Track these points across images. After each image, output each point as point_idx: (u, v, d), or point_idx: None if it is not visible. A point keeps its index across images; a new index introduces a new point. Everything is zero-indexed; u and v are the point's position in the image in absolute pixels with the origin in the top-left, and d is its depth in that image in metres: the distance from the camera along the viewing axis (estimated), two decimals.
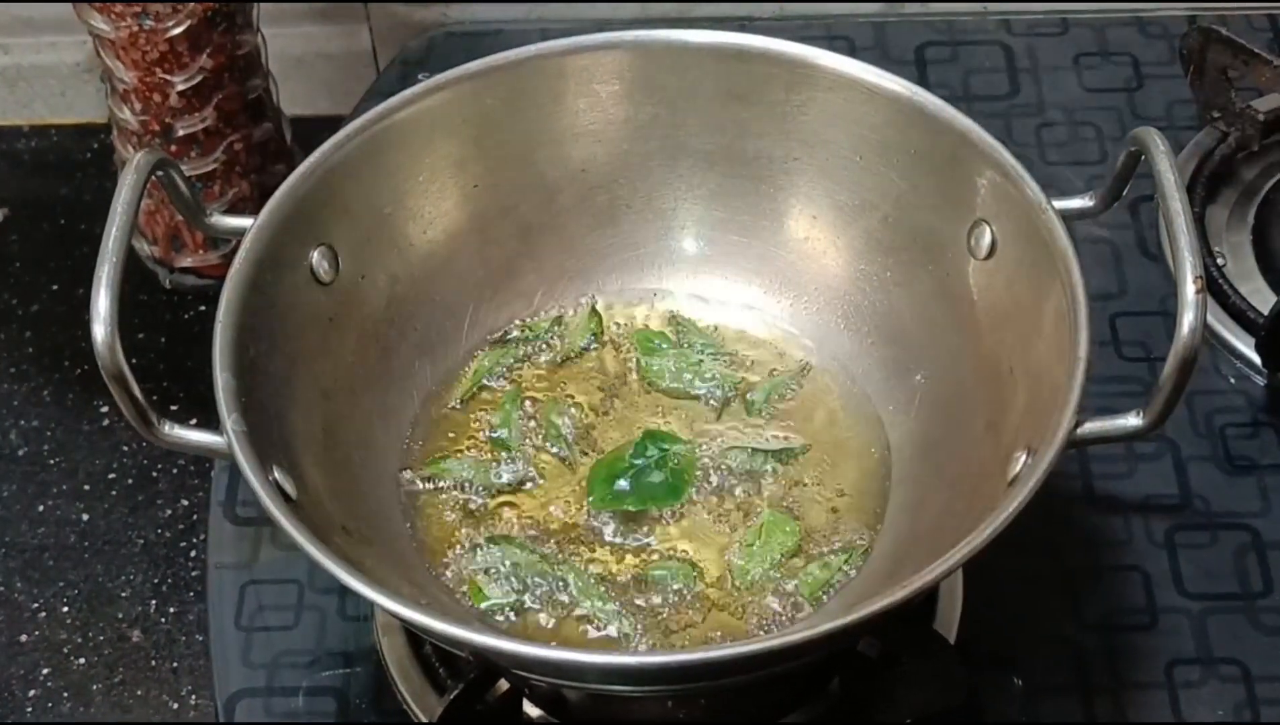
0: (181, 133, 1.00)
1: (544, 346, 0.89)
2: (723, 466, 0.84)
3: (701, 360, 0.88)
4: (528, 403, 0.87)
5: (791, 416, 0.86)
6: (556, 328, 0.89)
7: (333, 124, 0.86)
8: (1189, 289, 0.71)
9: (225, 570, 0.88)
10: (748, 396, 0.87)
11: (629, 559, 0.81)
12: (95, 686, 0.93)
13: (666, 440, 0.84)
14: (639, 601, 0.80)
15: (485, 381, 0.88)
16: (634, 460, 0.83)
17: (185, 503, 0.99)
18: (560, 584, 0.80)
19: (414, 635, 0.83)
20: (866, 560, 0.81)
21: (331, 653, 0.85)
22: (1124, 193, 0.79)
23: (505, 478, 0.84)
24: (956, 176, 0.82)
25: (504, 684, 0.78)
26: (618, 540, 0.82)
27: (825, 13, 1.11)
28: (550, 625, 0.79)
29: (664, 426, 0.86)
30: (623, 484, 0.83)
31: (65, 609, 0.95)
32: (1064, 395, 0.72)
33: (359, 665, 0.84)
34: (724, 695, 0.80)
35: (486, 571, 0.81)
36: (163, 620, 0.95)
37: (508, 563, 0.81)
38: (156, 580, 0.96)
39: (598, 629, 0.79)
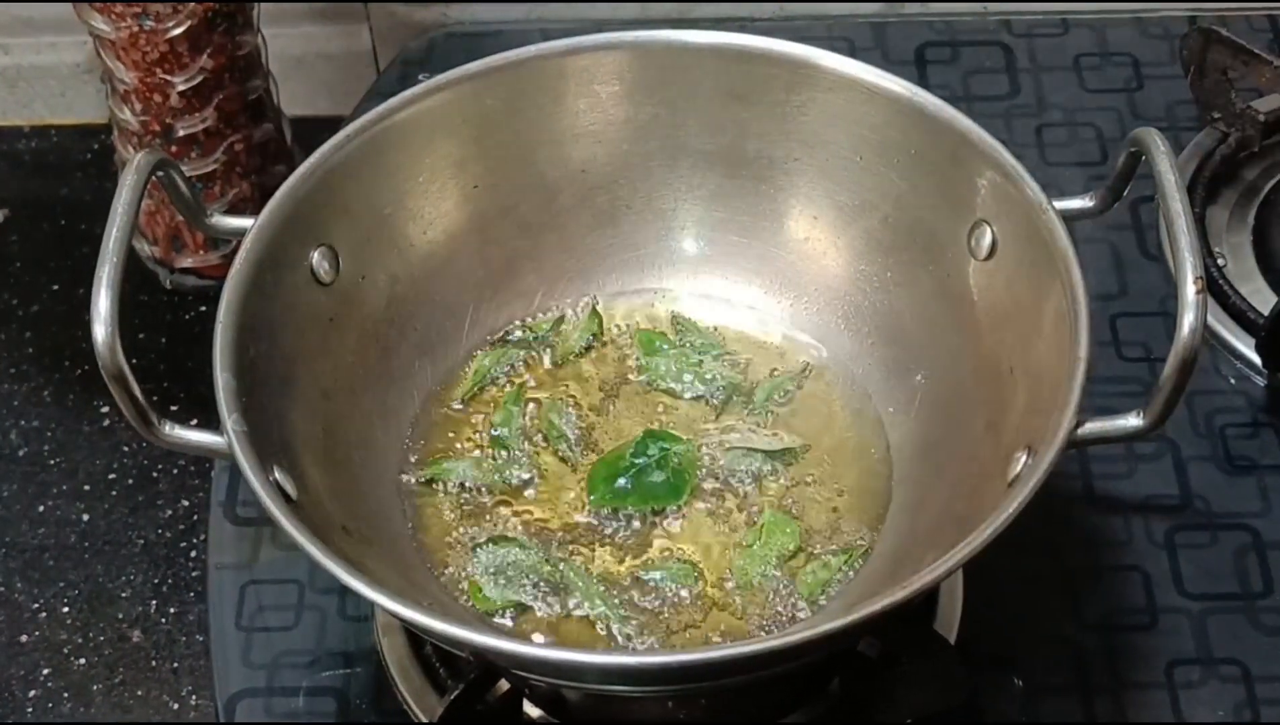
0: (182, 133, 1.00)
1: (544, 346, 0.89)
2: (723, 467, 0.84)
3: (702, 360, 0.88)
4: (528, 403, 0.87)
5: (791, 417, 0.86)
6: (557, 328, 0.89)
7: (333, 124, 0.86)
8: (1189, 289, 0.71)
9: (225, 570, 0.88)
10: (748, 397, 0.87)
11: (629, 559, 0.81)
12: (95, 687, 0.93)
13: (667, 439, 0.84)
14: (639, 602, 0.80)
15: (485, 382, 0.88)
16: (634, 459, 0.83)
17: (185, 503, 0.99)
18: (560, 584, 0.80)
19: (414, 635, 0.83)
20: (866, 560, 0.81)
21: (332, 653, 0.85)
22: (1124, 193, 0.79)
23: (505, 478, 0.84)
24: (956, 177, 0.82)
25: (504, 684, 0.78)
26: (618, 540, 0.82)
27: (825, 13, 1.11)
28: (550, 625, 0.79)
29: (664, 427, 0.86)
30: (624, 483, 0.83)
31: (65, 609, 0.95)
32: (1064, 395, 0.72)
33: (359, 665, 0.84)
34: (724, 695, 0.80)
35: (487, 571, 0.81)
36: (163, 620, 0.95)
37: (508, 563, 0.81)
38: (157, 580, 0.96)
39: (598, 629, 0.79)
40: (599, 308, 0.90)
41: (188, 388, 1.03)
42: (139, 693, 0.92)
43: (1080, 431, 0.72)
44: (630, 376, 0.88)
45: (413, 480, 0.84)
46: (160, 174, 0.76)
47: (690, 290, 0.91)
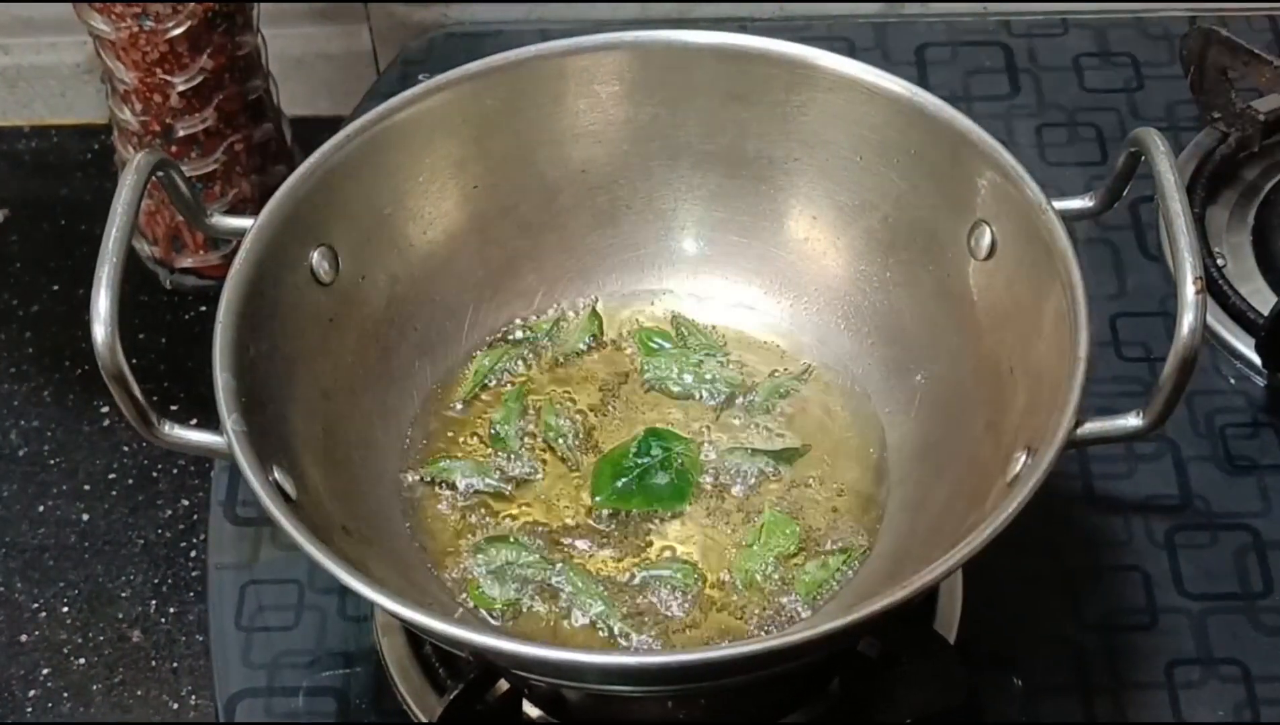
0: (182, 133, 1.00)
1: (544, 347, 0.89)
2: (723, 467, 0.84)
3: (702, 360, 0.88)
4: (528, 403, 0.87)
5: (791, 417, 0.86)
6: (557, 328, 0.89)
7: (333, 124, 0.86)
8: (1189, 289, 0.71)
9: (225, 570, 0.88)
10: (748, 397, 0.87)
11: (629, 559, 0.81)
12: (95, 686, 0.93)
13: (669, 438, 0.84)
14: (639, 602, 0.80)
15: (485, 382, 0.88)
16: (638, 459, 0.83)
17: (185, 503, 0.99)
18: (560, 584, 0.80)
19: (414, 635, 0.83)
20: (866, 560, 0.81)
21: (331, 653, 0.85)
22: (1124, 193, 0.79)
23: (506, 478, 0.84)
24: (956, 177, 0.82)
25: (504, 684, 0.78)
26: (618, 540, 0.82)
27: (825, 13, 1.11)
28: (550, 625, 0.79)
29: (664, 427, 0.86)
30: (628, 484, 0.83)
31: (65, 609, 0.95)
32: (1064, 395, 0.72)
33: (359, 665, 0.84)
34: (724, 695, 0.80)
35: (487, 571, 0.81)
36: (163, 620, 0.95)
37: (508, 563, 0.81)
38: (156, 580, 0.96)
39: (598, 629, 0.79)
40: (599, 308, 0.90)
41: (188, 388, 1.03)
42: (139, 693, 0.92)
43: (1080, 431, 0.72)
44: (630, 376, 0.88)
45: (413, 480, 0.84)
46: (160, 174, 0.76)
47: (690, 290, 0.91)
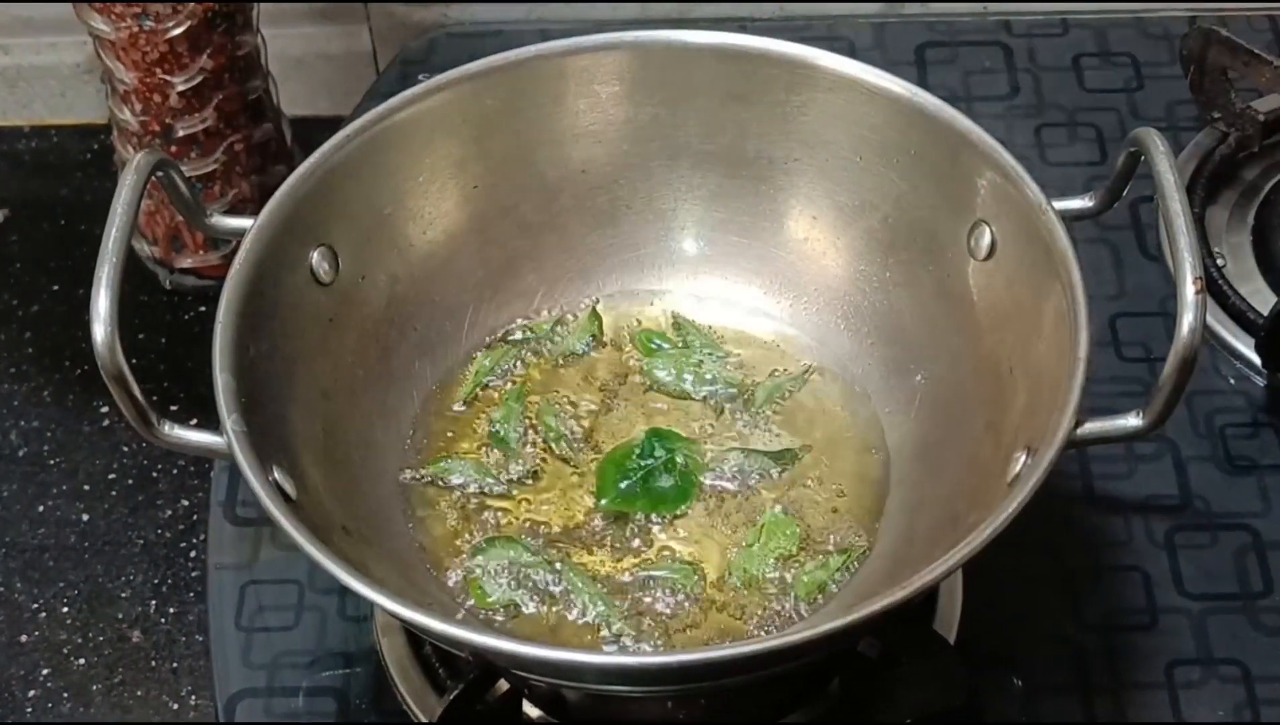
0: (181, 133, 1.00)
1: (544, 347, 0.89)
2: (723, 467, 0.84)
3: (702, 361, 0.88)
4: (528, 403, 0.87)
5: (791, 417, 0.86)
6: (557, 328, 0.89)
7: (333, 125, 0.86)
8: (1189, 290, 0.71)
9: (225, 570, 0.88)
10: (748, 397, 0.87)
11: (629, 559, 0.81)
12: (95, 687, 0.93)
13: (672, 439, 0.84)
14: (639, 602, 0.80)
15: (486, 382, 0.88)
16: (641, 461, 0.83)
17: (185, 503, 0.99)
18: (560, 584, 0.80)
19: (414, 635, 0.83)
20: (866, 560, 0.81)
21: (331, 653, 0.85)
22: (1124, 193, 0.79)
23: (506, 478, 0.84)
24: (956, 177, 0.82)
25: (504, 684, 0.78)
26: (618, 541, 0.82)
27: (825, 13, 1.11)
28: (550, 625, 0.79)
29: (664, 427, 0.86)
30: (632, 487, 0.83)
31: (65, 609, 0.95)
32: (1064, 395, 0.72)
33: (359, 665, 0.84)
34: (724, 696, 0.80)
35: (487, 571, 0.81)
36: (163, 621, 0.95)
37: (508, 563, 0.81)
38: (156, 581, 0.96)
39: (598, 629, 0.79)
40: (599, 308, 0.90)
41: (187, 388, 1.03)
42: (139, 693, 0.92)
43: (1080, 431, 0.72)
44: (630, 376, 0.88)
45: (413, 480, 0.84)
46: (160, 174, 0.76)
47: (690, 290, 0.91)
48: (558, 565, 0.81)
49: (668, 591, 0.80)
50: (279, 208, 0.80)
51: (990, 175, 0.81)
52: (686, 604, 0.80)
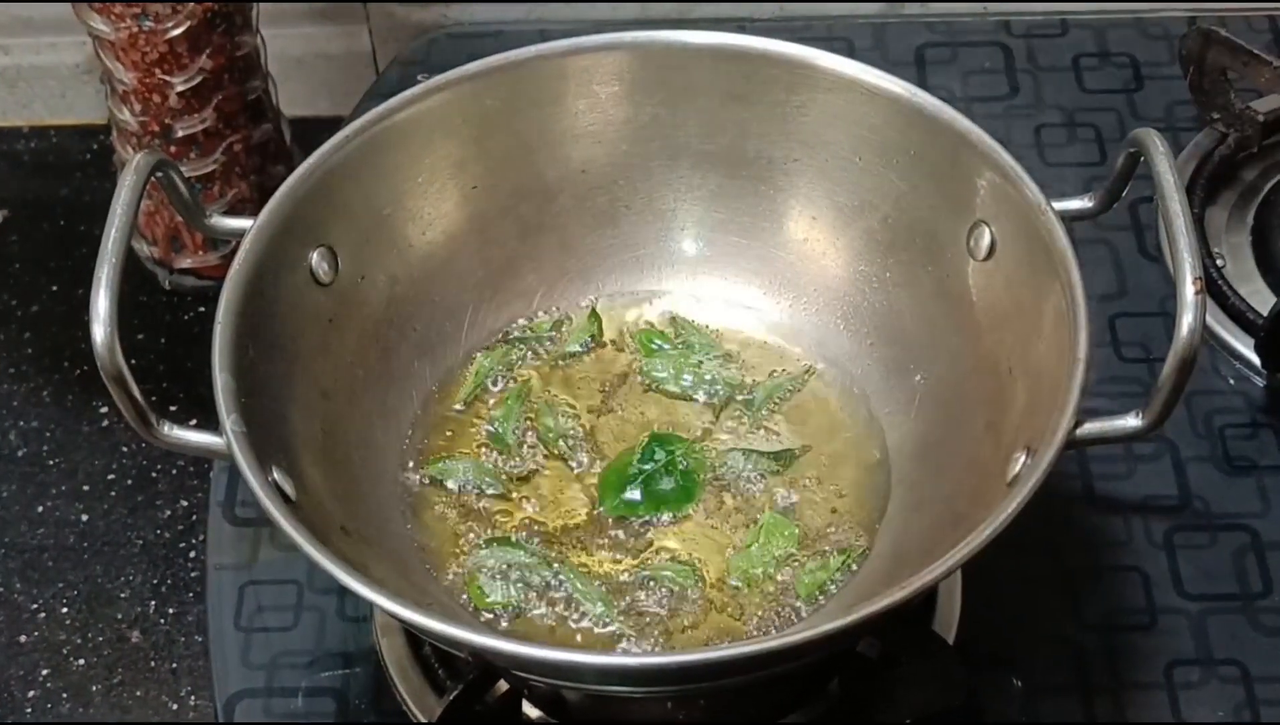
0: (181, 134, 1.00)
1: (544, 347, 0.89)
2: (722, 468, 0.84)
3: (701, 361, 0.88)
4: (528, 403, 0.87)
5: (791, 417, 0.86)
6: (556, 328, 0.89)
7: (332, 125, 0.86)
8: (1188, 290, 0.71)
9: (225, 571, 0.88)
10: (747, 397, 0.87)
11: (629, 560, 0.81)
12: (95, 687, 0.93)
13: (673, 442, 0.84)
14: (639, 602, 0.80)
15: (485, 382, 0.88)
16: (642, 465, 0.83)
17: (185, 503, 0.99)
18: (560, 585, 0.80)
19: (413, 636, 0.83)
20: (866, 561, 0.81)
21: (331, 653, 0.85)
22: (1123, 194, 0.80)
23: (505, 478, 0.84)
24: (956, 177, 0.82)
25: (503, 685, 0.78)
26: (618, 541, 0.82)
27: (825, 14, 1.11)
28: (550, 626, 0.79)
29: (663, 428, 0.86)
30: (634, 494, 0.83)
31: (65, 610, 0.95)
32: (1063, 396, 0.72)
33: (358, 666, 0.84)
34: (724, 696, 0.80)
35: (486, 572, 0.81)
36: (162, 621, 0.95)
37: (507, 563, 0.81)
38: (156, 581, 0.96)
39: (597, 630, 0.79)
40: (598, 308, 0.90)
41: (187, 388, 1.03)
42: (138, 693, 0.92)
43: (1079, 432, 0.72)
44: (630, 377, 0.88)
45: (413, 480, 0.84)
46: (159, 174, 0.76)
47: (690, 291, 0.91)
48: (557, 566, 0.81)
49: (667, 592, 0.80)
50: (278, 208, 0.80)
51: (990, 175, 0.81)
52: (686, 604, 0.80)
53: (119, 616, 0.95)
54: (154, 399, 0.97)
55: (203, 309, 1.07)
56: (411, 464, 0.85)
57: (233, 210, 1.02)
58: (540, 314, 0.90)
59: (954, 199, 0.83)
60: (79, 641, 0.94)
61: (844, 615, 0.68)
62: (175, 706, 0.92)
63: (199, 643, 0.93)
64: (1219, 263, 0.96)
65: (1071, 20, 1.10)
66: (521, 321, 0.90)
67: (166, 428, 0.73)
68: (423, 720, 0.81)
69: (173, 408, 1.02)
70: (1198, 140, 1.02)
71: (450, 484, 0.84)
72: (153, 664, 0.93)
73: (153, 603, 0.96)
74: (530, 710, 0.81)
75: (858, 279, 0.88)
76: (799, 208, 0.88)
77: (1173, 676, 0.82)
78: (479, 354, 0.88)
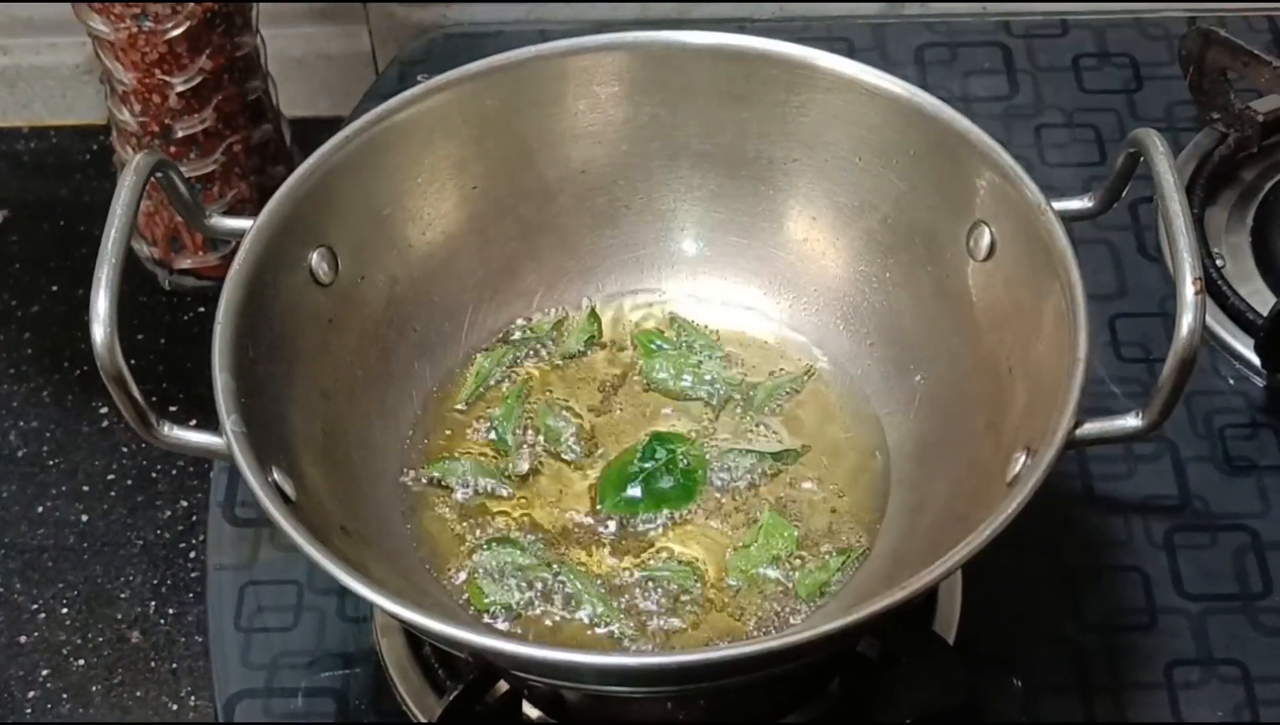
0: (181, 134, 1.00)
1: (544, 347, 0.89)
2: (722, 468, 0.84)
3: (701, 361, 0.88)
4: (528, 403, 0.87)
5: (791, 417, 0.86)
6: (556, 328, 0.89)
7: (332, 125, 0.86)
8: (1188, 290, 0.71)
9: (225, 571, 0.88)
10: (747, 397, 0.87)
11: (628, 560, 0.81)
12: (95, 687, 0.93)
13: (674, 441, 0.84)
14: (638, 602, 0.80)
15: (486, 382, 0.88)
16: (643, 463, 0.83)
17: (185, 503, 0.99)
18: (560, 585, 0.80)
19: (413, 636, 0.83)
20: (866, 561, 0.81)
21: (331, 654, 0.85)
22: (1123, 194, 0.80)
23: (506, 478, 0.84)
24: (956, 177, 0.82)
25: (503, 685, 0.78)
26: (618, 541, 0.82)
27: (825, 14, 1.11)
28: (550, 626, 0.79)
29: (664, 428, 0.86)
30: (635, 492, 0.83)
31: (65, 610, 0.95)
32: (1063, 396, 0.72)
33: (358, 666, 0.84)
34: (723, 696, 0.80)
35: (486, 572, 0.81)
36: (162, 621, 0.95)
37: (507, 564, 0.81)
38: (156, 581, 0.96)
39: (597, 630, 0.79)
40: (598, 308, 0.90)
41: (187, 388, 1.03)
42: (138, 693, 0.92)
43: (1079, 432, 0.72)
44: (630, 377, 0.88)
45: (413, 480, 0.84)
46: (159, 175, 0.76)
47: (689, 291, 0.91)
48: (557, 566, 0.81)
49: (667, 592, 0.80)
50: (278, 208, 0.80)
51: (989, 175, 0.81)
52: (686, 604, 0.80)
53: (119, 617, 0.95)
54: (154, 399, 0.97)
55: (203, 309, 1.07)
56: (411, 464, 0.85)
57: (233, 210, 1.02)
58: (540, 314, 0.90)
59: (954, 199, 0.83)
60: (79, 642, 0.94)
61: (844, 615, 0.68)
62: (175, 707, 0.92)
63: (199, 643, 0.93)
64: (1219, 263, 0.96)
65: (1071, 20, 1.10)
66: (521, 321, 0.90)
67: (166, 428, 0.73)
68: (423, 720, 0.81)
69: (173, 408, 1.02)
70: (1197, 140, 1.02)
71: (451, 484, 0.84)
72: (153, 664, 0.93)
73: (153, 603, 0.96)
74: (530, 710, 0.81)
75: (858, 279, 0.88)
76: (799, 208, 0.88)
77: (1173, 676, 0.82)
78: (479, 354, 0.88)
